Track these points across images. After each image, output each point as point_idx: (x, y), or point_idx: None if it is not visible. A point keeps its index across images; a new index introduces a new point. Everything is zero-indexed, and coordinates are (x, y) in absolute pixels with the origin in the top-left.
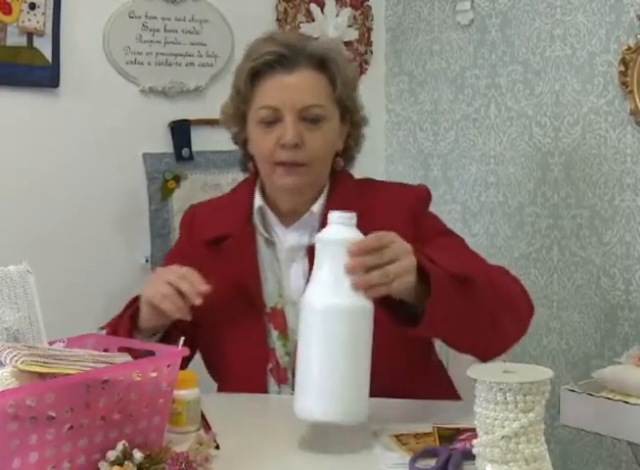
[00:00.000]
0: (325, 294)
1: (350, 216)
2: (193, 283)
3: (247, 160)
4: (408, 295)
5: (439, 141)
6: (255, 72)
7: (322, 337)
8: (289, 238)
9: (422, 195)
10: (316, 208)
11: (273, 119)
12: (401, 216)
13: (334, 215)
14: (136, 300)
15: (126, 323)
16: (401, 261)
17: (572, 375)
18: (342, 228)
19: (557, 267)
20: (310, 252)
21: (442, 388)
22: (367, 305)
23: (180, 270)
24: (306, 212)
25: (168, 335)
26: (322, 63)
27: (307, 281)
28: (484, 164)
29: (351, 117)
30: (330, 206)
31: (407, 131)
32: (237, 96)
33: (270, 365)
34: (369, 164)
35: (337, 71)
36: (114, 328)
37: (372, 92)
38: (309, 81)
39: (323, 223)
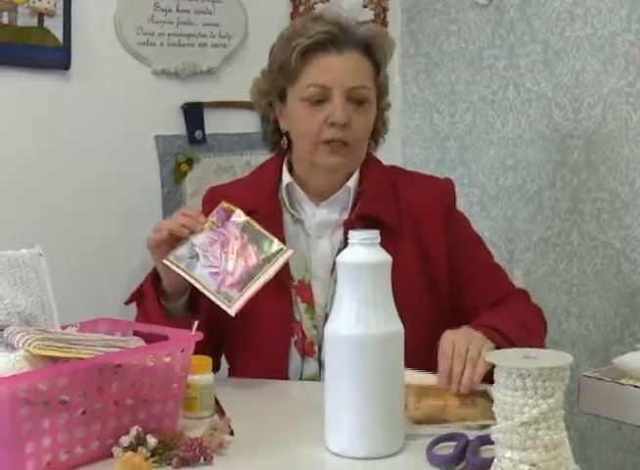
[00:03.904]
0: (351, 322)
1: (374, 236)
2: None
3: (277, 137)
4: None
5: (456, 123)
6: (307, 50)
7: (352, 368)
8: (318, 214)
9: (452, 190)
10: (351, 183)
11: (321, 98)
12: (437, 209)
13: (356, 236)
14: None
15: (150, 289)
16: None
17: (592, 361)
18: (365, 250)
19: (576, 252)
20: (347, 226)
21: None
22: (397, 330)
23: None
24: (338, 190)
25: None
26: (368, 47)
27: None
28: (503, 146)
29: (380, 101)
30: (365, 184)
31: (424, 113)
32: (279, 72)
33: (295, 338)
34: (385, 147)
35: (382, 57)
36: (140, 297)
37: (387, 73)
38: (357, 63)
39: (355, 201)
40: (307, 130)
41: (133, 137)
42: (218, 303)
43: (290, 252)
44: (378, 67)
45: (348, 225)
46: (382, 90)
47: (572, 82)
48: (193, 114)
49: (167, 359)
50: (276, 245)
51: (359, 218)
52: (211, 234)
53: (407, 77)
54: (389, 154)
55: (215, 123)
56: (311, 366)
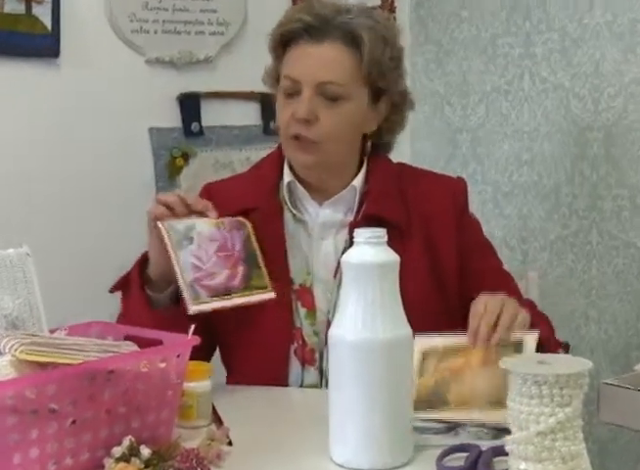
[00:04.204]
0: (357, 326)
1: (381, 234)
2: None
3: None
4: None
5: (469, 115)
6: (286, 39)
7: (357, 375)
8: (322, 214)
9: (465, 189)
10: (357, 182)
11: (293, 91)
12: (449, 208)
13: (362, 234)
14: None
15: (135, 276)
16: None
17: (612, 368)
18: (372, 249)
19: (596, 252)
20: (353, 228)
21: None
22: (405, 334)
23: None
24: (342, 189)
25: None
26: (353, 38)
27: (339, 262)
28: (517, 140)
29: (390, 98)
30: (371, 182)
31: (434, 105)
32: (273, 61)
33: (295, 345)
34: None
35: (366, 50)
36: (125, 285)
37: (396, 66)
38: (334, 56)
39: (361, 200)
40: (280, 124)
41: (126, 130)
42: (185, 294)
43: (272, 295)
44: (366, 60)
45: (354, 227)
46: (378, 86)
47: (592, 72)
48: (189, 105)
49: (162, 365)
50: (264, 281)
51: (365, 219)
52: (215, 232)
53: (416, 66)
54: (397, 148)
55: (213, 115)
56: (312, 375)
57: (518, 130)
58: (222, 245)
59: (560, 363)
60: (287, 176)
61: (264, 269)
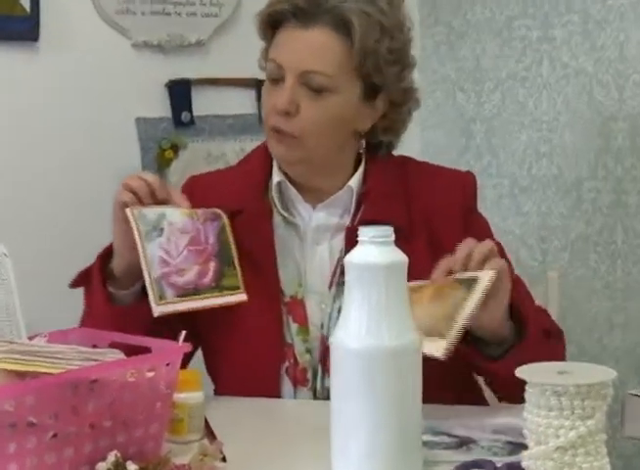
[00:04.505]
0: (361, 332)
1: (387, 233)
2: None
3: None
4: (500, 317)
5: (483, 104)
6: (274, 20)
7: (361, 386)
8: (315, 218)
9: (474, 185)
10: (354, 183)
11: (278, 77)
12: (455, 205)
13: (367, 233)
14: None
15: (97, 270)
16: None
17: (639, 378)
18: (378, 249)
19: (621, 251)
20: (349, 234)
21: (471, 394)
22: (414, 342)
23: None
24: (338, 190)
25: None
26: (344, 23)
27: (335, 270)
28: (536, 130)
29: (388, 94)
30: (370, 183)
31: (445, 92)
32: (264, 43)
33: (287, 364)
34: None
35: (356, 37)
36: (87, 279)
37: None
38: (323, 42)
39: (359, 204)
40: (264, 114)
41: (110, 119)
42: (149, 292)
43: (243, 298)
44: (357, 48)
45: (351, 232)
46: (373, 81)
47: (616, 56)
48: (179, 92)
49: (151, 374)
50: (236, 281)
51: (363, 224)
52: (188, 222)
53: (426, 51)
54: (406, 139)
55: (205, 104)
56: (304, 397)
57: (536, 120)
58: (194, 238)
59: (581, 372)
60: (276, 175)
61: (238, 267)
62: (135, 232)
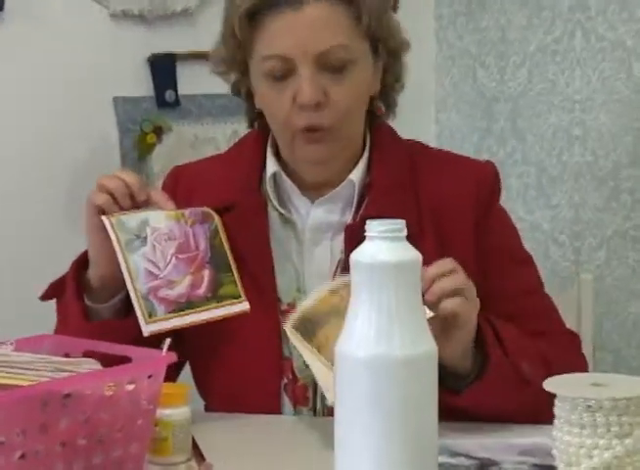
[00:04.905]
0: (369, 340)
1: (399, 227)
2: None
3: (254, 115)
4: (462, 347)
5: (507, 81)
6: (253, 11)
7: (370, 400)
8: (313, 215)
9: (493, 177)
10: (355, 176)
11: (284, 72)
12: (468, 200)
13: (375, 227)
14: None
15: (71, 281)
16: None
17: None
18: (388, 245)
19: None
20: (349, 232)
21: None
22: (429, 350)
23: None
24: (340, 183)
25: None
26: None
27: (335, 272)
28: (567, 111)
29: (386, 45)
30: (374, 174)
31: (464, 68)
32: (231, 40)
33: (285, 380)
34: (413, 112)
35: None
36: (60, 290)
37: (417, 16)
38: (325, 16)
39: (362, 197)
40: (276, 117)
41: (85, 99)
42: (137, 310)
43: (246, 307)
44: (358, 10)
45: (352, 230)
46: (376, 35)
47: None
48: (163, 68)
49: (131, 387)
50: (236, 290)
51: (365, 221)
52: (174, 226)
53: (442, 21)
54: (419, 122)
55: (192, 81)
56: (305, 417)
57: (568, 99)
58: (183, 244)
59: (618, 385)
60: (272, 166)
61: (236, 273)
62: (115, 243)
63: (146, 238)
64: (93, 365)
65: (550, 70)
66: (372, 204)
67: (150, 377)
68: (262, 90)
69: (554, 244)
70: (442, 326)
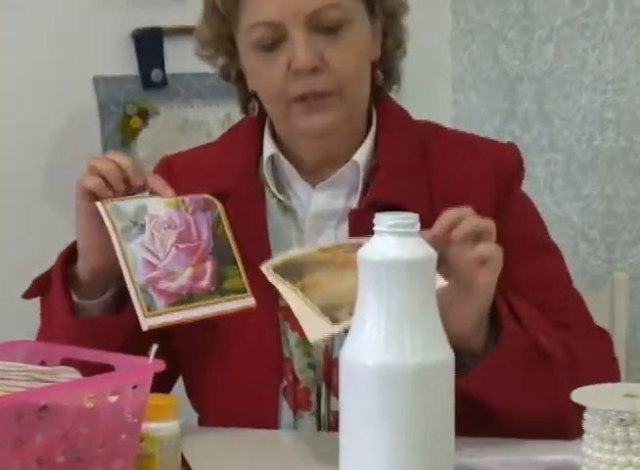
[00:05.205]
0: (378, 347)
1: (411, 221)
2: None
3: (247, 99)
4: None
5: (532, 59)
6: None
7: (380, 414)
8: (315, 201)
9: (516, 160)
10: (359, 157)
11: (274, 40)
12: (486, 184)
13: (385, 221)
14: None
15: (58, 275)
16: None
17: None
18: (399, 241)
19: None
20: (353, 219)
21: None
22: (445, 359)
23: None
24: (344, 164)
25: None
26: None
27: None
28: (599, 92)
29: (382, 6)
30: (381, 154)
31: (484, 44)
32: (213, 16)
33: (284, 383)
34: (427, 93)
35: None
36: (45, 287)
37: None
38: None
39: (369, 181)
40: (268, 89)
41: (62, 79)
42: (135, 302)
43: (251, 302)
44: None
45: (357, 217)
46: None
47: None
48: (148, 45)
49: (113, 399)
50: (241, 283)
51: (370, 207)
52: (174, 214)
53: None
54: (434, 103)
55: (180, 59)
56: (307, 423)
57: (599, 79)
58: (183, 233)
59: None
60: (269, 148)
61: (241, 266)
62: (111, 230)
63: (144, 226)
64: (72, 374)
65: (579, 47)
66: (378, 187)
67: (135, 387)
68: (252, 64)
69: (584, 240)
70: (458, 293)
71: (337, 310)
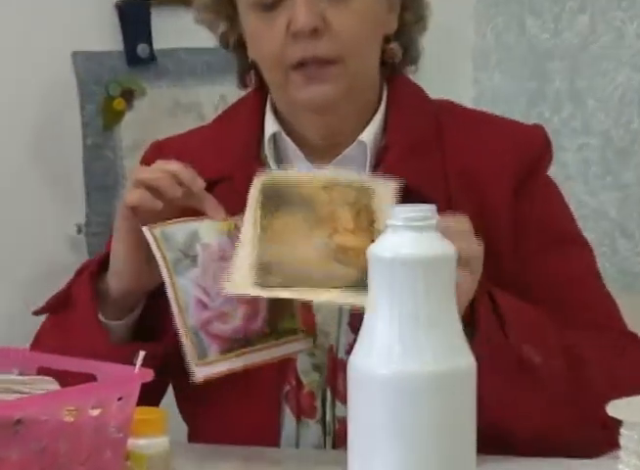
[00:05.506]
0: (392, 354)
1: (428, 214)
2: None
3: (246, 70)
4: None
5: (562, 32)
6: None
7: (394, 427)
8: None
9: (542, 142)
10: (367, 136)
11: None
12: (508, 167)
13: (400, 213)
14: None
15: (87, 292)
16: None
17: None
18: (416, 236)
19: None
20: None
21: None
22: (466, 365)
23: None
24: (351, 143)
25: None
26: None
27: None
28: (638, 68)
29: None
30: (390, 134)
31: (509, 16)
32: None
33: (287, 387)
34: (446, 71)
35: None
36: (63, 305)
37: None
38: None
39: (377, 161)
40: (265, 52)
41: (37, 56)
42: (187, 350)
43: (310, 344)
44: None
45: None
46: None
47: None
48: (134, 16)
49: (96, 412)
50: (295, 322)
51: None
52: (226, 243)
53: None
54: (454, 82)
55: (170, 32)
56: (312, 432)
57: (638, 54)
58: None
59: None
60: (271, 126)
61: (295, 302)
62: (161, 262)
63: (195, 257)
64: (50, 385)
65: (617, 18)
66: (387, 169)
67: (120, 399)
68: (251, 26)
69: (622, 235)
70: None
71: (272, 275)
